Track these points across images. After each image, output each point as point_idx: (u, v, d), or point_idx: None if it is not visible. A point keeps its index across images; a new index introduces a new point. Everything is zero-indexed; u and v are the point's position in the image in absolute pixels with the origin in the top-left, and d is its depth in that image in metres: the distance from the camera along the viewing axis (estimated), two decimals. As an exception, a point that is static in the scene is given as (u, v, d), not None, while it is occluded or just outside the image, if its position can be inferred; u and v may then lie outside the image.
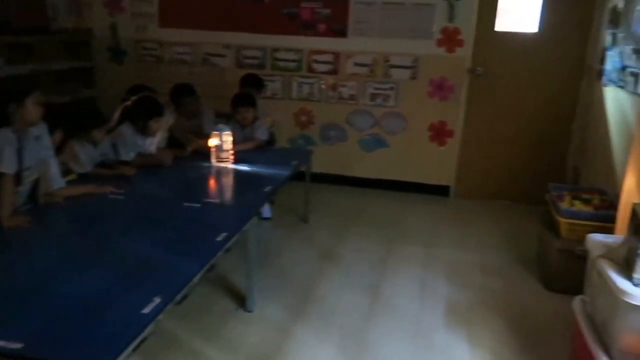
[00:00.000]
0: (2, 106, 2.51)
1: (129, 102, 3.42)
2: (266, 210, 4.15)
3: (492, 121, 4.77)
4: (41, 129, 2.68)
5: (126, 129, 3.37)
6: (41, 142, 2.66)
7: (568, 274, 3.08)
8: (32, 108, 2.57)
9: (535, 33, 4.54)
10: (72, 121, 3.10)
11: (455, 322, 2.89)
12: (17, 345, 1.55)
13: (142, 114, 3.38)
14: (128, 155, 3.33)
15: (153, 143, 3.51)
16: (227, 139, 3.48)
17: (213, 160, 3.51)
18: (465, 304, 3.09)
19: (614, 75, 3.69)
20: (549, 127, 4.67)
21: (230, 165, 3.50)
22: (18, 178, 2.54)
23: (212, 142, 3.51)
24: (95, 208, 2.75)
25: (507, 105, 4.71)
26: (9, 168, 2.45)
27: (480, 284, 3.32)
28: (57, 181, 2.73)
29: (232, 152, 3.52)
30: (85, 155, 3.09)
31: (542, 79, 4.61)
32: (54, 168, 2.72)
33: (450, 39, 4.56)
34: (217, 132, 3.47)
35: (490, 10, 4.55)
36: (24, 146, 2.54)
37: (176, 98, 4.08)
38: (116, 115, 3.47)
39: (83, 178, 3.03)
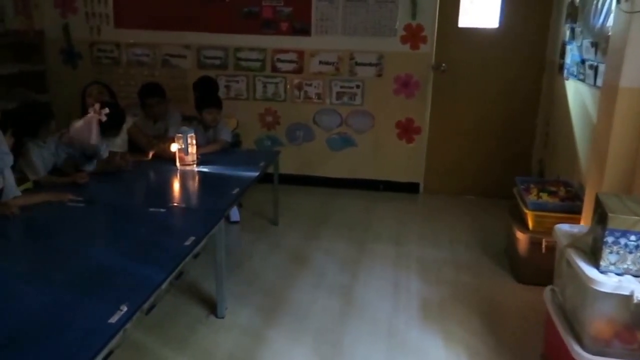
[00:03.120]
0: None
1: (98, 115, 3.23)
2: (234, 214, 4.08)
3: (458, 117, 4.81)
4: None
5: None
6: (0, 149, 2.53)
7: (537, 266, 3.11)
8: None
9: (496, 28, 4.60)
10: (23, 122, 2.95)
11: (429, 319, 2.88)
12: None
13: (113, 129, 3.28)
14: (90, 165, 3.21)
15: (108, 147, 3.40)
16: (192, 141, 3.40)
17: (177, 164, 3.42)
18: (438, 300, 3.08)
19: (574, 69, 3.76)
20: (513, 122, 4.74)
21: (195, 168, 3.42)
22: None
23: (174, 147, 3.42)
24: (54, 217, 2.63)
25: (472, 100, 4.76)
26: None
27: (452, 280, 3.33)
28: (11, 190, 2.60)
29: (196, 154, 3.44)
30: (39, 161, 2.96)
31: (504, 73, 4.67)
32: (9, 176, 2.59)
33: (414, 35, 4.58)
34: (180, 135, 3.38)
35: (452, 6, 4.58)
36: None
37: (143, 97, 3.97)
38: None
39: (39, 186, 2.90)
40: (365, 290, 3.17)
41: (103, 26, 5.00)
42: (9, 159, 2.59)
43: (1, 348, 1.56)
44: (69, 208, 2.71)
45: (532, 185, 3.51)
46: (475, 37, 4.64)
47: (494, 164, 4.83)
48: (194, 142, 3.42)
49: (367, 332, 2.74)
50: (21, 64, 4.87)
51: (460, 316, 2.91)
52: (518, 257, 3.32)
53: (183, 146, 3.39)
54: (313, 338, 2.67)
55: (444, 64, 4.66)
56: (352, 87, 4.78)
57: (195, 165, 3.43)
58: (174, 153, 3.43)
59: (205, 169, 3.42)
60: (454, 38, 4.65)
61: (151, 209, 2.73)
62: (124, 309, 1.75)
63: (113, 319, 1.69)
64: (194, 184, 3.31)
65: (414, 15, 4.54)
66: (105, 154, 3.39)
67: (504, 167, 4.75)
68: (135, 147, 3.72)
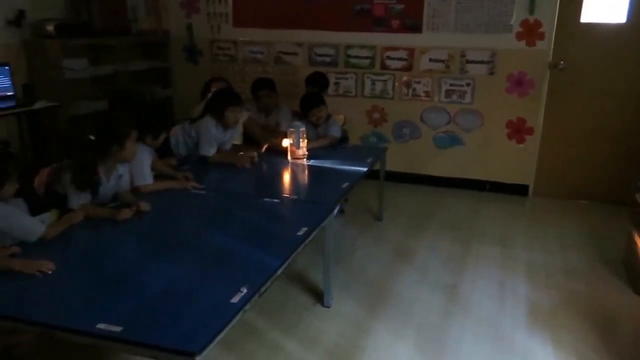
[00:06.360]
0: (103, 144, 2.63)
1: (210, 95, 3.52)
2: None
3: (575, 118, 4.56)
4: (125, 168, 2.78)
5: (208, 122, 3.46)
6: (120, 183, 2.77)
7: (661, 278, 2.92)
8: (130, 147, 2.70)
9: (623, 24, 4.31)
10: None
11: (537, 324, 2.79)
12: (117, 329, 1.65)
13: (219, 104, 3.49)
14: (209, 151, 3.44)
15: (232, 137, 3.61)
16: (303, 136, 3.53)
17: (289, 157, 3.57)
18: (548, 305, 2.98)
19: None
20: (637, 123, 4.42)
21: (306, 162, 3.55)
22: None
23: (285, 142, 3.57)
24: (179, 203, 2.87)
25: (591, 100, 4.49)
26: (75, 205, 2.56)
27: (562, 286, 3.20)
28: (145, 177, 2.87)
29: (307, 149, 3.57)
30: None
31: (630, 71, 4.36)
32: (143, 166, 2.85)
33: (530, 32, 4.40)
34: (292, 130, 3.53)
35: (574, 0, 4.35)
36: (103, 184, 2.66)
37: (254, 90, 4.21)
38: (200, 108, 3.62)
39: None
40: (470, 290, 3.13)
41: (222, 25, 5.27)
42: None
43: (135, 318, 1.74)
44: (192, 195, 2.94)
45: (657, 192, 3.28)
46: (598, 33, 4.37)
47: (611, 167, 4.53)
48: (305, 136, 3.55)
49: (472, 331, 2.71)
50: (149, 61, 5.29)
51: (572, 324, 2.79)
52: (639, 268, 3.12)
53: (295, 140, 3.53)
54: (416, 333, 2.70)
55: (562, 62, 4.44)
56: (462, 85, 4.69)
57: (305, 159, 3.56)
58: (286, 147, 3.58)
59: (314, 163, 3.54)
60: (575, 34, 4.41)
61: (265, 199, 2.89)
62: (244, 290, 1.88)
63: (235, 299, 1.83)
64: (304, 177, 3.44)
65: (531, 10, 4.36)
66: (228, 146, 3.61)
67: (623, 171, 4.44)
68: (249, 139, 3.94)
